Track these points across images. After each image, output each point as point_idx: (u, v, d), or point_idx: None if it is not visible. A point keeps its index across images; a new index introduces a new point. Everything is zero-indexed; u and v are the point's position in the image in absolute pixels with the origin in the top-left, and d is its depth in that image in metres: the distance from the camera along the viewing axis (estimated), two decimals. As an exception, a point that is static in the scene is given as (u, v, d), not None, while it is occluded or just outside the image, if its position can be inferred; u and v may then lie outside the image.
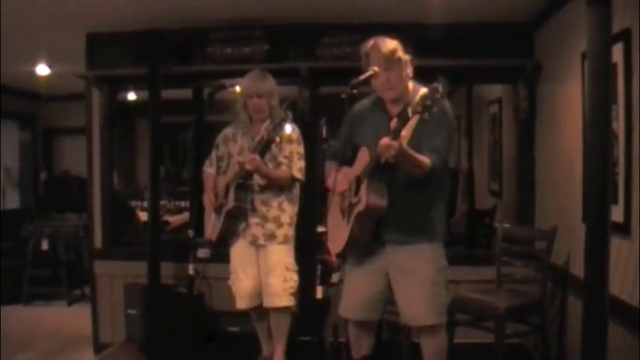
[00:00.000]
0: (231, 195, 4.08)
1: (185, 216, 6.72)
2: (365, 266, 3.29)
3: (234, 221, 4.16)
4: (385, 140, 2.83)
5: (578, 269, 3.74)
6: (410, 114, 2.79)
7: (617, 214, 3.15)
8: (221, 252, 4.46)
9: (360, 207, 3.11)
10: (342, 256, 3.46)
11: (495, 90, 6.19)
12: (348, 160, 3.32)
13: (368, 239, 3.21)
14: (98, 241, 5.37)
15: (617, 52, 3.13)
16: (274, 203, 4.12)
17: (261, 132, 4.01)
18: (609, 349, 2.58)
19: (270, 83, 4.14)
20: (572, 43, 3.95)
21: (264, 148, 3.98)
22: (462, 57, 4.77)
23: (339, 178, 3.31)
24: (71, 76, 5.31)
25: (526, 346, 4.67)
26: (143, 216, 6.39)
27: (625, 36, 3.15)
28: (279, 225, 4.11)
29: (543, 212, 4.73)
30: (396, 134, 2.83)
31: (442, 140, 3.08)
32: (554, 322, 4.25)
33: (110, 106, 5.26)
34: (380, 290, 3.29)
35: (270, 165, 4.09)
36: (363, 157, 3.16)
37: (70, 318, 6.51)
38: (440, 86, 2.74)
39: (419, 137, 3.00)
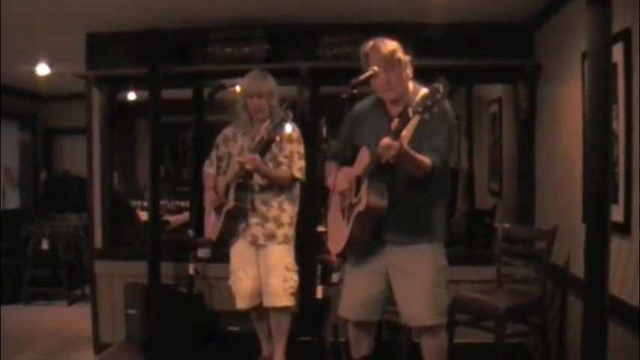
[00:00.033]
0: (232, 195, 4.09)
1: (185, 216, 6.73)
2: (365, 266, 3.29)
3: (234, 221, 4.16)
4: (386, 140, 2.83)
5: (578, 269, 3.74)
6: (410, 114, 2.80)
7: (617, 214, 3.15)
8: (221, 252, 4.46)
9: (361, 207, 3.11)
10: (342, 256, 3.45)
11: (495, 90, 6.19)
12: (349, 161, 3.31)
13: (368, 239, 3.21)
14: (98, 241, 5.37)
15: (617, 52, 3.13)
16: (274, 203, 4.12)
17: (262, 132, 4.01)
18: (609, 349, 2.58)
19: (270, 83, 4.14)
20: (572, 43, 3.95)
21: (264, 147, 3.98)
22: (462, 57, 4.77)
23: (339, 177, 3.31)
24: (71, 76, 5.31)
25: (526, 346, 4.67)
26: (143, 216, 6.39)
27: (625, 36, 3.15)
28: (280, 225, 4.11)
29: (543, 212, 4.73)
30: (396, 134, 2.83)
31: (442, 140, 3.08)
32: (555, 322, 4.25)
33: (110, 106, 5.26)
34: (380, 290, 3.28)
35: (271, 165, 4.09)
36: (364, 158, 3.16)
37: (70, 318, 6.51)
38: (440, 86, 2.74)
39: (419, 137, 3.01)
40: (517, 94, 4.84)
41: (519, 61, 4.77)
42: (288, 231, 4.15)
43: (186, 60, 5.15)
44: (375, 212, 3.11)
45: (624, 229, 3.16)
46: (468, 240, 5.25)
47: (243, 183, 4.07)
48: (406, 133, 2.90)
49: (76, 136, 7.61)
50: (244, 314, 4.33)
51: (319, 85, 5.01)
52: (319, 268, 4.39)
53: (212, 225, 4.26)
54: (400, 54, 3.15)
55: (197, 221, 4.93)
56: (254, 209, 4.11)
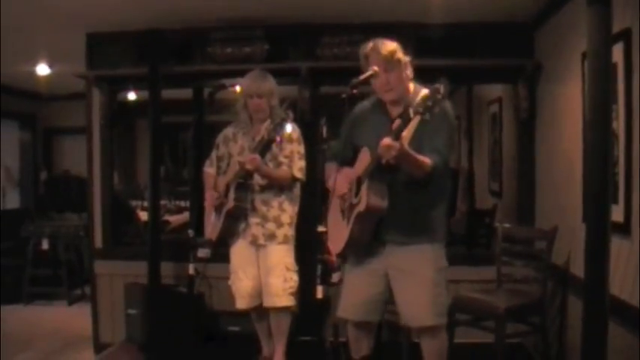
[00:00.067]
0: (232, 195, 4.09)
1: (185, 216, 6.73)
2: (365, 266, 3.29)
3: (234, 221, 4.16)
4: (386, 141, 2.82)
5: (578, 269, 3.74)
6: (411, 115, 2.79)
7: (617, 214, 3.15)
8: (221, 252, 4.45)
9: (361, 207, 3.10)
10: (342, 256, 3.45)
11: (495, 90, 6.19)
12: (349, 161, 3.31)
13: (368, 240, 3.21)
14: (98, 241, 5.37)
15: (618, 52, 3.13)
16: (274, 203, 4.12)
17: (262, 132, 4.01)
18: (609, 349, 2.58)
19: (270, 83, 4.14)
20: (572, 43, 3.95)
21: (264, 147, 3.98)
22: (462, 57, 4.77)
23: (339, 180, 3.31)
24: (71, 76, 5.31)
25: (526, 346, 4.66)
26: (143, 216, 6.39)
27: (625, 36, 3.15)
28: (280, 225, 4.11)
29: (543, 212, 4.73)
30: (397, 135, 2.83)
31: (443, 141, 3.07)
32: (555, 322, 4.25)
33: (110, 106, 5.26)
34: (380, 291, 3.28)
35: (271, 165, 4.09)
36: (364, 158, 3.16)
37: (70, 318, 6.51)
38: (441, 87, 2.74)
39: (420, 138, 3.00)
40: (517, 94, 4.84)
41: (519, 61, 4.77)
42: (288, 231, 4.15)
43: (187, 60, 5.15)
44: (376, 213, 3.11)
45: (624, 229, 3.16)
46: (468, 240, 5.25)
47: (243, 183, 4.07)
48: (407, 133, 2.89)
49: (76, 136, 7.61)
50: (244, 314, 4.33)
51: (319, 85, 5.02)
52: (319, 268, 4.39)
53: (212, 225, 4.26)
54: (400, 54, 3.15)
55: (197, 221, 4.93)
56: (254, 209, 4.11)
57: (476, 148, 5.82)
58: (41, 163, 9.15)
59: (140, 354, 4.73)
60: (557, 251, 4.09)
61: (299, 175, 4.13)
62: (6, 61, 5.80)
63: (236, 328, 4.85)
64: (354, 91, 3.10)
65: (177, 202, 7.63)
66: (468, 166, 5.46)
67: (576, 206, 3.81)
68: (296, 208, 4.21)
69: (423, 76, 3.24)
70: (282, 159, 4.11)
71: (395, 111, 3.14)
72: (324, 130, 4.70)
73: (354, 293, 3.33)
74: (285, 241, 4.13)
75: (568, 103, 4.12)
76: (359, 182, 3.17)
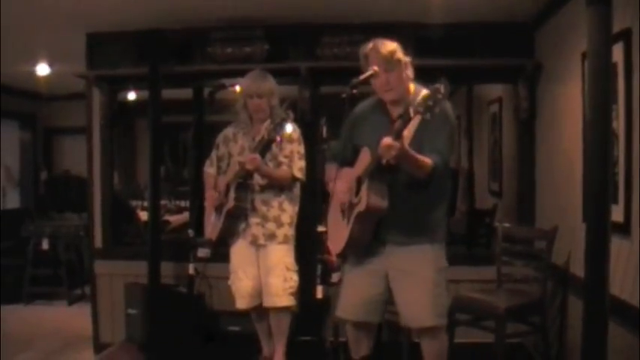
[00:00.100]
0: (232, 194, 4.09)
1: (185, 216, 6.72)
2: (365, 267, 3.28)
3: (235, 221, 4.16)
4: (386, 140, 2.81)
5: (578, 269, 3.74)
6: (412, 114, 2.79)
7: (617, 213, 3.14)
8: (221, 251, 4.45)
9: (361, 207, 3.10)
10: (342, 256, 3.45)
11: (495, 90, 6.19)
12: (349, 162, 3.31)
13: (368, 240, 3.20)
14: (98, 241, 5.38)
15: (618, 52, 3.13)
16: (275, 203, 4.12)
17: (262, 132, 4.01)
18: (609, 349, 2.58)
19: (270, 83, 4.14)
20: (572, 43, 3.95)
21: (264, 147, 3.98)
22: (462, 57, 4.77)
23: (338, 186, 3.31)
24: (71, 76, 5.31)
25: (526, 345, 4.66)
26: (143, 216, 6.39)
27: (625, 36, 3.15)
28: (280, 225, 4.11)
29: (543, 212, 4.73)
30: (397, 135, 2.82)
31: (444, 141, 3.07)
32: (555, 322, 4.25)
33: (110, 106, 5.26)
34: (380, 291, 3.27)
35: (271, 165, 4.09)
36: (365, 158, 3.15)
37: (70, 318, 6.51)
38: (442, 87, 2.73)
39: (420, 138, 3.00)
40: (517, 94, 4.84)
41: (519, 60, 4.77)
42: (289, 231, 4.15)
43: (187, 60, 5.15)
44: (376, 213, 3.10)
45: (624, 229, 3.16)
46: (468, 240, 5.25)
47: (243, 183, 4.07)
48: (407, 133, 2.89)
49: (76, 135, 7.61)
50: (244, 314, 4.33)
51: (319, 85, 5.02)
52: (319, 267, 4.39)
53: (212, 225, 4.26)
54: (400, 54, 3.14)
55: (197, 221, 4.93)
56: (254, 209, 4.11)
57: (476, 148, 5.81)
58: (41, 163, 9.15)
59: (140, 354, 4.73)
60: (557, 251, 4.09)
61: (299, 175, 4.13)
62: (6, 61, 5.80)
63: (236, 328, 4.85)
64: (354, 91, 3.09)
65: (178, 202, 7.62)
66: (468, 166, 5.46)
67: (576, 206, 3.81)
68: (296, 208, 4.21)
69: (423, 76, 3.24)
70: (282, 159, 4.11)
71: (395, 111, 3.14)
72: (324, 130, 4.69)
73: (354, 293, 3.32)
74: (285, 240, 4.13)
75: (568, 103, 4.12)
76: (359, 182, 3.17)
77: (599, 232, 2.55)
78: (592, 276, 2.59)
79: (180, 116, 6.53)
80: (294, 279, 4.14)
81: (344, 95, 3.10)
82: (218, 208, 4.21)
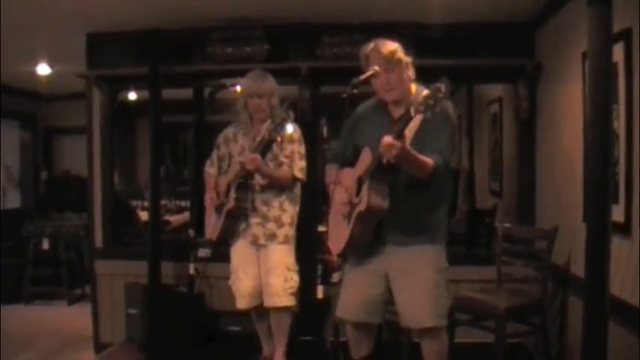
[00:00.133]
0: (232, 194, 4.09)
1: (186, 216, 6.73)
2: (365, 267, 3.27)
3: (235, 221, 4.16)
4: (387, 139, 2.80)
5: (578, 269, 3.74)
6: (412, 113, 2.78)
7: (617, 213, 3.15)
8: (221, 251, 4.45)
9: (361, 207, 3.09)
10: (343, 256, 3.44)
11: (496, 89, 6.19)
12: (350, 163, 3.31)
13: (368, 240, 3.20)
14: (99, 241, 5.38)
15: (618, 52, 3.13)
16: (275, 203, 4.12)
17: (262, 132, 4.01)
18: (610, 349, 2.58)
19: (270, 83, 4.14)
20: (572, 43, 3.95)
21: (265, 147, 3.98)
22: (463, 57, 4.77)
23: (336, 198, 3.31)
24: (72, 76, 5.31)
25: (527, 345, 4.66)
26: (144, 215, 6.39)
27: (626, 35, 3.15)
28: (280, 225, 4.11)
29: (544, 212, 4.73)
30: (398, 134, 2.81)
31: (445, 142, 3.06)
32: (555, 322, 4.25)
33: (111, 106, 5.27)
34: (380, 292, 3.26)
35: (272, 165, 4.09)
36: (366, 158, 3.14)
37: (70, 318, 6.51)
38: (443, 86, 2.72)
39: (421, 138, 2.99)
40: (517, 94, 4.84)
41: (520, 60, 4.77)
42: (289, 231, 4.15)
43: (187, 60, 5.15)
44: (376, 213, 3.10)
45: (625, 229, 3.16)
46: (469, 240, 5.26)
47: (244, 183, 4.07)
48: (408, 133, 2.88)
49: (76, 135, 7.60)
50: (245, 314, 4.33)
51: (319, 85, 5.02)
52: (320, 267, 4.39)
53: (212, 225, 4.26)
54: (401, 54, 3.14)
55: (198, 221, 4.94)
56: (255, 209, 4.11)
57: (476, 148, 5.83)
58: (41, 163, 9.15)
59: (140, 354, 4.73)
60: (557, 251, 4.09)
61: (300, 175, 4.13)
62: (6, 61, 5.80)
63: (236, 328, 4.85)
64: (355, 91, 3.08)
65: (178, 202, 7.63)
66: (469, 165, 5.47)
67: (577, 206, 3.81)
68: (297, 208, 4.21)
69: (423, 76, 3.24)
70: (282, 159, 4.11)
71: (396, 111, 3.13)
72: (325, 130, 4.71)
73: (354, 294, 3.32)
74: (285, 241, 4.12)
75: (568, 103, 4.12)
76: (360, 182, 3.16)
77: (600, 232, 2.55)
78: (592, 276, 2.59)
79: (181, 116, 6.54)
80: (294, 279, 4.14)
81: (344, 95, 3.09)
82: (218, 208, 4.21)
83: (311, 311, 4.55)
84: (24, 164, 8.96)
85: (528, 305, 4.07)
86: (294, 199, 4.20)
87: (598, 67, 2.55)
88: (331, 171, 3.45)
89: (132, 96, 6.29)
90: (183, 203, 7.48)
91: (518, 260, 4.32)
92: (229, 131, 4.32)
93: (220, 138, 4.35)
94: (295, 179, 4.14)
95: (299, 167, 4.13)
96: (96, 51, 5.27)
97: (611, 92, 2.75)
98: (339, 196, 3.32)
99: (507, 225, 4.57)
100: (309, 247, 4.49)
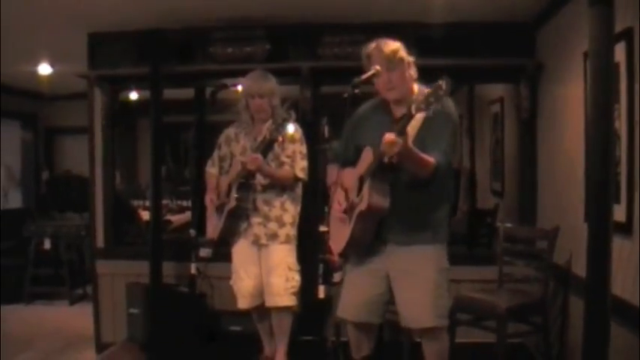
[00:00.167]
0: (234, 194, 4.09)
1: (187, 215, 6.73)
2: (366, 267, 3.27)
3: (236, 221, 4.16)
4: (389, 136, 2.78)
5: (580, 269, 3.73)
6: (413, 111, 2.78)
7: (619, 213, 3.14)
8: (223, 251, 4.45)
9: (362, 206, 3.09)
10: (344, 255, 3.44)
11: (497, 89, 6.19)
12: (351, 163, 3.30)
13: (369, 239, 3.19)
14: (100, 241, 5.38)
15: (620, 52, 3.13)
16: (277, 203, 4.12)
17: (264, 132, 4.01)
18: (611, 349, 2.57)
19: (271, 83, 4.14)
20: (574, 43, 3.95)
21: (266, 147, 3.99)
22: (464, 56, 4.76)
23: (335, 207, 3.31)
24: (73, 76, 5.32)
25: (528, 345, 4.66)
26: (145, 215, 6.39)
27: (627, 35, 3.15)
28: (282, 224, 4.11)
29: (545, 212, 4.73)
30: (400, 131, 2.80)
31: (447, 141, 3.05)
32: (556, 322, 4.25)
33: (112, 106, 5.27)
34: (381, 292, 3.25)
35: (273, 164, 4.09)
36: (367, 157, 3.14)
37: (71, 317, 6.52)
38: (443, 84, 2.72)
39: (423, 137, 2.98)
40: (519, 94, 4.84)
41: (521, 60, 4.77)
42: (290, 231, 4.15)
43: (188, 60, 5.16)
44: (377, 212, 3.10)
45: (626, 228, 3.15)
46: (470, 240, 5.25)
47: (245, 183, 4.08)
48: (410, 131, 2.87)
49: (77, 135, 7.62)
50: (246, 314, 4.33)
51: (320, 85, 5.02)
52: (321, 267, 4.39)
53: (214, 225, 4.27)
54: (403, 53, 3.13)
55: (199, 221, 4.93)
56: (256, 209, 4.11)
57: (477, 148, 5.82)
58: (43, 163, 9.17)
59: (142, 353, 4.73)
60: (558, 251, 4.09)
61: (301, 174, 4.13)
62: (8, 61, 5.80)
63: (237, 328, 4.85)
64: (356, 90, 3.08)
65: (179, 202, 7.62)
66: (470, 165, 5.46)
67: (578, 206, 3.80)
68: (298, 208, 4.21)
69: (424, 75, 3.23)
70: (284, 159, 4.11)
71: (398, 111, 3.12)
72: (326, 130, 4.70)
73: (355, 294, 3.31)
74: (287, 240, 4.13)
75: (570, 103, 4.12)
76: (361, 181, 3.16)
77: (601, 232, 2.55)
78: (593, 276, 2.58)
79: (182, 116, 6.55)
80: (295, 279, 4.14)
81: (345, 95, 3.08)
82: (220, 208, 4.21)
83: (312, 311, 4.55)
84: (25, 164, 8.97)
85: (529, 305, 4.07)
86: (296, 198, 4.20)
87: (599, 67, 2.55)
88: (333, 171, 3.45)
89: (133, 96, 6.29)
90: (184, 203, 7.48)
91: (519, 260, 4.32)
92: (231, 131, 4.33)
93: (221, 138, 4.36)
94: (297, 179, 4.14)
95: (300, 167, 4.13)
96: (97, 51, 5.28)
97: (613, 92, 2.75)
98: (336, 210, 3.32)
99: (508, 225, 4.57)
100: (310, 247, 4.49)
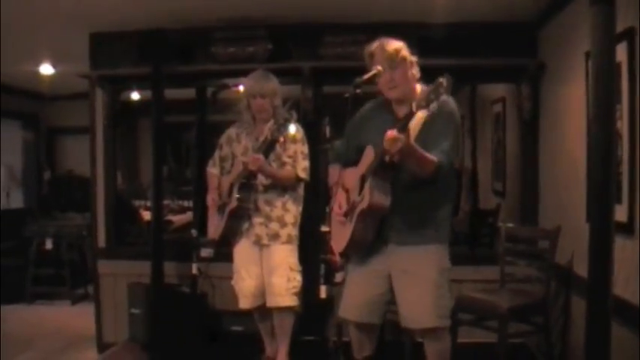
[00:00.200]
0: (235, 194, 4.09)
1: (188, 215, 6.73)
2: (367, 267, 3.26)
3: (237, 221, 4.16)
4: (392, 133, 2.76)
5: (581, 269, 3.73)
6: (414, 108, 2.77)
7: (620, 213, 3.15)
8: (224, 251, 4.46)
9: (363, 205, 3.08)
10: (345, 255, 3.44)
11: (499, 89, 6.19)
12: (353, 163, 3.30)
13: (370, 239, 3.19)
14: (101, 241, 5.38)
15: (621, 52, 3.13)
16: (278, 203, 4.12)
17: (265, 132, 4.01)
18: (612, 349, 2.57)
19: (273, 83, 4.14)
20: (575, 43, 3.95)
21: (268, 148, 3.98)
22: (466, 56, 4.75)
23: (335, 211, 3.30)
24: (74, 76, 5.32)
25: (529, 345, 4.66)
26: (146, 215, 6.40)
27: (629, 35, 3.14)
28: (283, 225, 4.11)
29: (547, 212, 4.73)
30: (402, 128, 2.78)
31: (449, 141, 3.03)
32: (558, 322, 4.25)
33: (113, 106, 5.27)
34: (381, 292, 3.25)
35: (275, 165, 4.09)
36: (369, 156, 3.13)
37: (73, 317, 6.52)
38: (444, 81, 2.71)
39: (425, 137, 2.97)
40: (520, 94, 4.84)
41: (523, 60, 4.77)
42: (292, 231, 4.15)
43: (189, 60, 5.16)
44: (378, 211, 3.09)
45: (628, 228, 3.15)
46: (471, 239, 5.25)
47: (246, 183, 4.08)
48: (412, 131, 2.86)
49: (79, 135, 7.62)
50: (247, 314, 4.33)
51: (322, 85, 5.02)
52: (323, 267, 4.38)
53: (215, 225, 4.27)
54: (405, 53, 3.13)
55: (200, 221, 4.93)
56: (257, 209, 4.11)
57: (479, 148, 5.82)
58: (44, 163, 9.17)
59: (143, 353, 4.73)
60: (560, 251, 4.09)
61: (303, 175, 4.13)
62: (9, 61, 5.81)
63: (239, 328, 4.85)
64: (358, 90, 3.08)
65: (181, 202, 7.63)
66: (472, 165, 5.46)
67: (580, 206, 3.80)
68: (300, 208, 4.22)
69: (425, 75, 3.23)
70: (285, 159, 4.11)
71: (401, 111, 3.11)
72: (327, 130, 4.69)
73: (356, 294, 3.31)
74: (288, 240, 4.13)
75: (571, 102, 4.11)
76: (362, 180, 3.16)
77: (603, 232, 2.55)
78: (595, 276, 2.58)
79: (183, 116, 6.55)
80: (297, 279, 4.14)
81: (347, 95, 3.08)
82: (221, 208, 4.21)
83: (314, 311, 4.55)
84: (27, 164, 8.98)
85: (531, 305, 4.06)
86: (297, 199, 4.20)
87: (601, 66, 2.55)
88: (334, 171, 3.44)
89: (134, 96, 6.31)
90: (185, 203, 7.49)
91: (521, 260, 4.32)
92: (232, 131, 4.33)
93: (223, 138, 4.36)
94: (299, 179, 4.14)
95: (302, 167, 4.13)
96: (99, 51, 5.28)
97: (614, 92, 2.75)
98: (339, 200, 3.32)
99: (510, 225, 4.57)
100: (312, 247, 4.49)
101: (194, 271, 4.88)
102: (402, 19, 4.64)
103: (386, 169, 3.03)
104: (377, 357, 3.47)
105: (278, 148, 4.07)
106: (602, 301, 2.55)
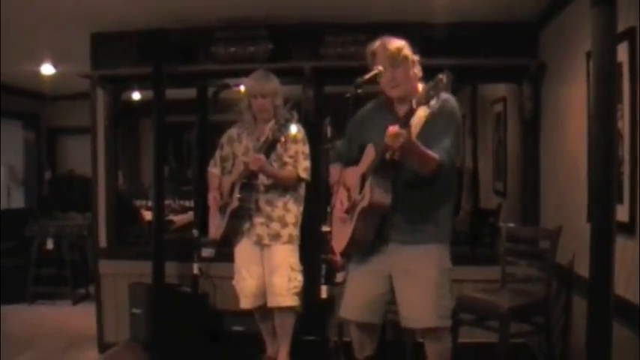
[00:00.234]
0: (236, 194, 4.09)
1: (189, 215, 6.72)
2: (368, 267, 3.26)
3: (239, 221, 4.17)
4: (393, 128, 2.76)
5: (582, 269, 3.73)
6: (414, 105, 2.77)
7: (622, 213, 3.14)
8: (225, 251, 4.46)
9: (364, 203, 3.08)
10: (346, 255, 3.43)
11: (500, 89, 6.18)
12: (354, 162, 3.30)
13: (371, 238, 3.18)
14: (103, 241, 5.39)
15: (622, 52, 3.13)
16: (279, 203, 4.12)
17: (266, 132, 4.01)
18: (614, 349, 2.57)
19: (274, 83, 4.14)
20: (576, 43, 3.95)
21: (269, 148, 3.99)
22: (467, 56, 4.75)
23: (336, 214, 3.30)
24: (75, 76, 5.32)
25: (530, 345, 4.66)
26: (147, 215, 6.40)
27: (630, 35, 3.14)
28: (284, 225, 4.11)
29: (548, 212, 4.73)
30: (404, 123, 2.77)
31: (450, 140, 3.03)
32: (559, 322, 4.24)
33: (114, 106, 5.28)
34: (382, 292, 3.24)
35: (276, 165, 4.09)
36: (370, 154, 3.13)
37: (74, 317, 6.52)
38: (444, 77, 2.71)
39: (426, 136, 2.97)
40: (521, 94, 4.84)
41: (524, 60, 4.76)
42: (293, 231, 4.15)
43: (190, 60, 5.16)
44: (379, 209, 3.09)
45: (629, 228, 3.15)
46: (472, 239, 5.26)
47: (248, 183, 4.08)
48: (413, 129, 2.85)
49: (80, 135, 7.63)
50: (248, 314, 4.33)
51: (323, 85, 5.02)
52: (324, 267, 4.38)
53: (216, 225, 4.27)
54: (407, 51, 3.13)
55: (201, 221, 4.93)
56: (258, 209, 4.12)
57: (480, 148, 5.82)
58: (45, 163, 9.18)
59: (144, 353, 4.73)
60: (561, 251, 4.08)
61: (304, 175, 4.13)
62: (10, 61, 5.81)
63: (240, 328, 4.85)
64: (359, 90, 3.08)
65: (182, 202, 7.63)
66: (473, 165, 5.46)
67: (581, 206, 3.80)
68: (301, 208, 4.22)
69: (426, 75, 3.22)
70: (286, 159, 4.11)
71: (402, 110, 3.09)
72: (329, 130, 4.68)
73: (357, 294, 3.30)
74: (289, 240, 4.13)
75: (572, 102, 4.11)
76: (363, 179, 3.16)
77: (604, 232, 2.54)
78: (596, 276, 2.58)
79: (184, 116, 6.53)
80: (298, 279, 4.14)
81: (348, 95, 3.09)
82: (222, 208, 4.21)
83: (315, 311, 4.54)
84: (28, 164, 8.99)
85: (532, 305, 4.06)
86: (298, 199, 4.20)
87: (602, 66, 2.55)
88: (335, 171, 3.44)
89: (135, 96, 6.31)
90: (187, 203, 7.48)
91: (521, 260, 4.32)
92: (233, 131, 4.33)
93: (224, 138, 4.36)
94: (300, 179, 4.15)
95: (303, 167, 4.13)
96: (100, 51, 5.28)
97: (615, 92, 2.75)
98: (341, 198, 3.32)
99: (511, 225, 4.56)
100: (313, 247, 4.48)
101: (195, 271, 4.88)
102: (403, 19, 4.64)
103: (387, 168, 3.03)
104: (378, 357, 3.47)
105: (279, 148, 4.07)
106: (603, 301, 2.55)
